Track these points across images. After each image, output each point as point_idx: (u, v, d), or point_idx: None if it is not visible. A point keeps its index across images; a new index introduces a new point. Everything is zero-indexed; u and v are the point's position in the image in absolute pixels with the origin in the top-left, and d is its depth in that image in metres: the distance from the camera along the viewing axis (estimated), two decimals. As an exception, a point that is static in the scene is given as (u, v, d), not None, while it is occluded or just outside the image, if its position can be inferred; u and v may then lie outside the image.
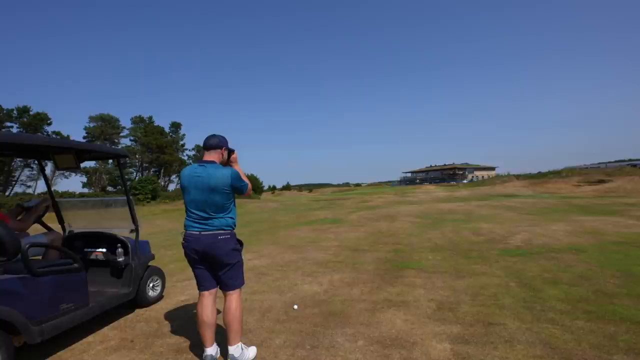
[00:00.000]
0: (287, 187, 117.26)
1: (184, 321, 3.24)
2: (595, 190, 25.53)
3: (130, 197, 3.56)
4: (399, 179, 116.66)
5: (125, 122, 58.38)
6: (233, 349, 2.36)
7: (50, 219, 3.67)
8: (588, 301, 3.26)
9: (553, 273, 4.25)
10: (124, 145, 52.12)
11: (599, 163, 58.51)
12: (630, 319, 2.80)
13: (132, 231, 3.54)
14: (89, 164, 44.10)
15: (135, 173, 52.99)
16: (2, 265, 2.46)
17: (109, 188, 47.95)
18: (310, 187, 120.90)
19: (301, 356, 2.48)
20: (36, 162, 4.08)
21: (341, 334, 2.81)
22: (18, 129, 39.19)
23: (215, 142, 2.45)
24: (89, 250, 3.49)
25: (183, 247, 2.41)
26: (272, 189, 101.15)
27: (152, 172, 52.96)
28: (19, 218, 3.42)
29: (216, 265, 2.39)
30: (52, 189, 4.18)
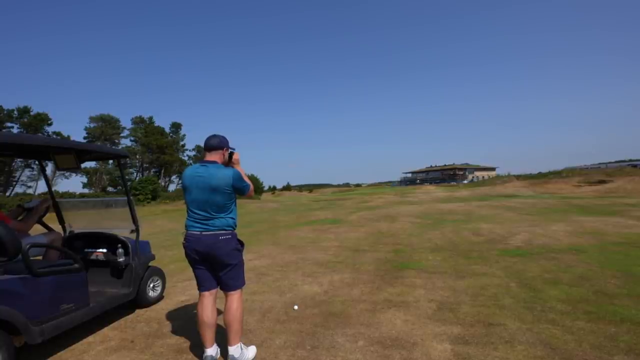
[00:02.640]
0: (287, 188, 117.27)
1: (184, 321, 3.24)
2: (596, 191, 25.53)
3: (131, 197, 3.57)
4: (399, 180, 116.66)
5: (126, 123, 58.45)
6: (233, 349, 2.37)
7: (50, 219, 3.68)
8: (588, 302, 3.25)
9: (553, 273, 4.25)
10: (124, 146, 52.17)
11: (600, 163, 58.45)
12: (630, 319, 2.80)
13: (132, 231, 3.55)
14: (89, 164, 44.15)
15: (135, 173, 53.04)
16: (2, 265, 2.46)
17: (110, 188, 47.98)
18: (310, 188, 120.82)
19: (301, 356, 2.48)
20: (37, 162, 4.08)
21: (341, 334, 2.81)
22: (18, 130, 39.24)
23: (216, 143, 2.46)
24: (90, 250, 3.50)
25: (184, 247, 2.42)
26: (273, 189, 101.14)
27: (152, 173, 52.99)
28: (19, 218, 3.42)
29: (217, 265, 2.39)
30: (53, 189, 4.18)
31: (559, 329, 2.71)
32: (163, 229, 13.72)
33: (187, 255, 2.42)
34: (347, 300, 3.63)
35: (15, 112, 39.39)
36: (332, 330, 2.88)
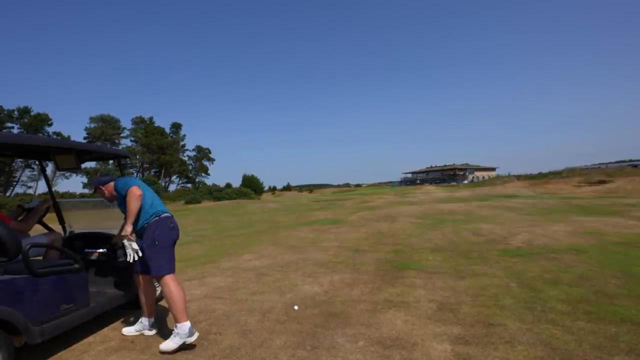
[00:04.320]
0: (287, 188, 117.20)
1: (185, 322, 3.23)
2: (596, 191, 25.53)
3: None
4: (399, 180, 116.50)
5: (126, 123, 58.63)
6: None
7: (50, 219, 3.68)
8: (589, 302, 3.25)
9: (553, 273, 4.25)
10: (124, 146, 52.25)
11: (600, 163, 58.40)
12: (631, 319, 2.80)
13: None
14: (89, 164, 44.23)
15: (135, 174, 53.10)
16: (3, 265, 2.46)
17: (110, 188, 47.89)
18: (310, 188, 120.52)
19: (301, 357, 2.48)
20: (37, 162, 4.09)
21: (342, 334, 2.81)
22: (19, 130, 39.29)
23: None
24: (90, 250, 3.50)
25: (171, 228, 2.82)
26: (273, 189, 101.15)
27: (152, 173, 53.02)
28: (19, 219, 3.42)
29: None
30: (53, 189, 4.19)
31: (559, 329, 2.71)
32: (163, 229, 13.71)
33: (173, 235, 2.85)
34: (347, 301, 3.63)
35: (16, 112, 39.46)
36: (332, 331, 2.88)
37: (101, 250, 3.47)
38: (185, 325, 2.62)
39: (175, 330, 2.63)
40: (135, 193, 2.68)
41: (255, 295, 3.95)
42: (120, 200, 2.85)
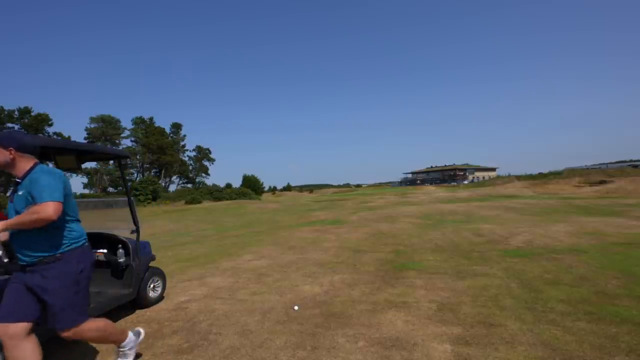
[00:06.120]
0: (287, 188, 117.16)
1: (185, 322, 3.24)
2: (596, 191, 25.52)
3: (131, 198, 3.57)
4: (399, 180, 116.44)
5: (126, 123, 58.67)
6: None
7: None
8: (589, 302, 3.25)
9: (554, 274, 4.24)
10: (124, 146, 52.30)
11: (600, 164, 58.34)
12: (631, 320, 2.80)
13: (132, 232, 3.55)
14: (90, 164, 44.27)
15: (136, 174, 53.13)
16: (3, 265, 2.46)
17: (110, 189, 48.10)
18: (310, 188, 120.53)
19: (302, 357, 2.48)
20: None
21: (342, 335, 2.80)
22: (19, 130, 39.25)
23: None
24: None
25: (93, 262, 2.14)
26: (273, 189, 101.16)
27: (152, 173, 53.07)
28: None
29: None
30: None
31: (559, 329, 2.71)
32: (163, 229, 13.74)
33: (90, 274, 2.09)
34: (348, 301, 3.63)
35: (16, 112, 39.49)
36: (332, 331, 2.88)
37: (102, 250, 3.47)
38: (129, 337, 2.39)
39: (123, 349, 2.37)
40: (50, 215, 1.81)
41: (255, 296, 3.94)
42: (24, 194, 1.90)
